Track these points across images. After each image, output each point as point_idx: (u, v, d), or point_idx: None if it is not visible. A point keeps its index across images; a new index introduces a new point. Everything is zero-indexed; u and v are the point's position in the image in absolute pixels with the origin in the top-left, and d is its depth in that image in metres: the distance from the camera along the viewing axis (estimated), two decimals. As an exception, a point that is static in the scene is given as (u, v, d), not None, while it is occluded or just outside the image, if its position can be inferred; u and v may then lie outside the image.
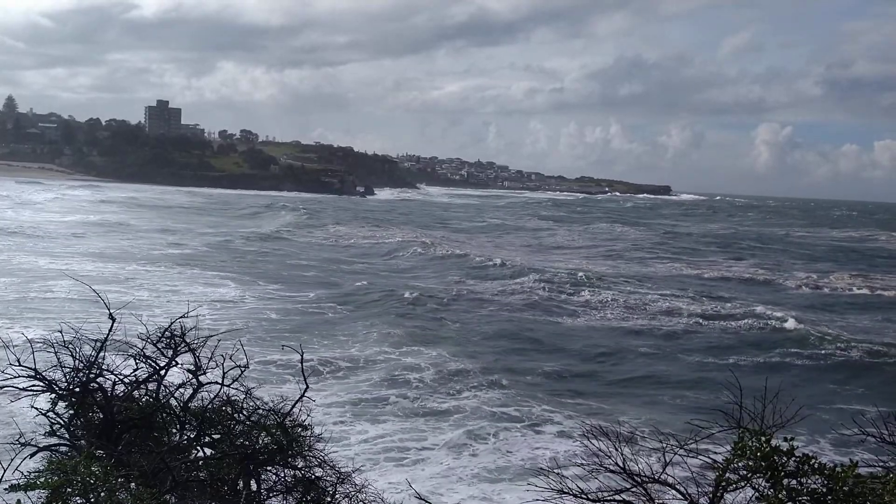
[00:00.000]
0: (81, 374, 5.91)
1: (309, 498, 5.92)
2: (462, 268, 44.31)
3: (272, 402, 6.23)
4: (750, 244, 70.72)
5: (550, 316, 31.10)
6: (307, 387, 6.27)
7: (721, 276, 46.70)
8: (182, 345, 6.19)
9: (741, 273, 48.07)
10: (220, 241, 53.94)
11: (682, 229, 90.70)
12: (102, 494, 4.40)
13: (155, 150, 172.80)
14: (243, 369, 6.29)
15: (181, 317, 6.47)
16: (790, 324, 28.71)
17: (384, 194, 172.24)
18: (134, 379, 6.17)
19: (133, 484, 4.87)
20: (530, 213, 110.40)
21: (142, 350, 6.19)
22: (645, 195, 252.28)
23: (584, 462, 4.77)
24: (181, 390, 6.22)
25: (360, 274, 41.42)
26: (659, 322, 30.14)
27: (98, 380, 5.99)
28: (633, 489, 4.48)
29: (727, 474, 4.25)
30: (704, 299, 34.59)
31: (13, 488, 4.53)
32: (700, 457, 4.57)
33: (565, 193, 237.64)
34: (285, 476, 5.95)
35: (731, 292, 38.59)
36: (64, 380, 5.88)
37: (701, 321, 30.17)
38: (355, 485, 6.18)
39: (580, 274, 39.88)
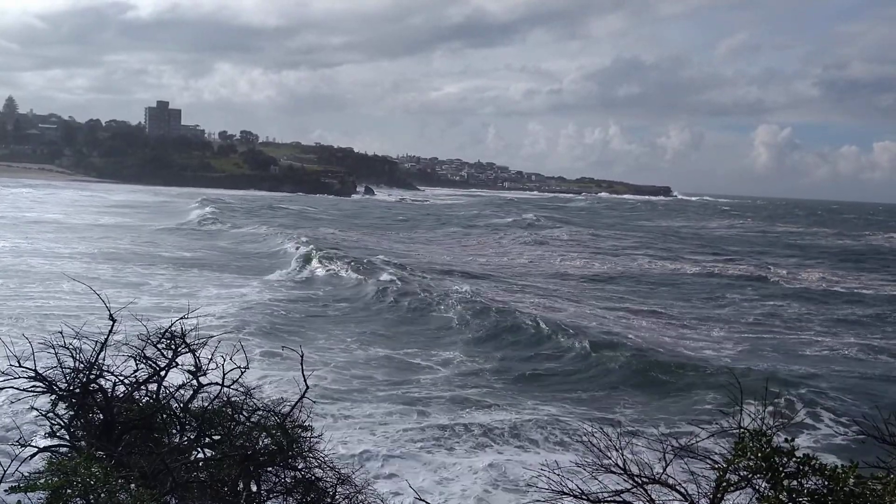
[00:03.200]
0: (82, 375, 5.92)
1: (309, 499, 5.92)
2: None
3: (272, 403, 6.24)
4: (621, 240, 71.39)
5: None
6: (307, 387, 6.27)
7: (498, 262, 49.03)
8: (182, 346, 6.19)
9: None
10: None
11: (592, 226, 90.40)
12: (102, 495, 4.40)
13: (155, 150, 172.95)
14: (243, 370, 6.29)
15: (181, 318, 6.48)
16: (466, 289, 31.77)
17: (381, 195, 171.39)
18: (134, 380, 6.17)
19: (133, 485, 4.87)
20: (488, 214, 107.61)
21: (142, 351, 6.19)
22: (636, 196, 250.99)
23: (584, 462, 4.77)
24: (181, 391, 6.22)
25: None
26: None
27: (98, 381, 5.99)
28: (634, 490, 4.48)
29: (728, 475, 4.24)
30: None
31: (14, 489, 4.53)
32: (701, 458, 4.57)
33: (544, 194, 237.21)
34: (285, 477, 5.95)
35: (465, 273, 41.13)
36: (64, 381, 5.88)
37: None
38: (355, 486, 6.19)
39: (379, 257, 42.16)
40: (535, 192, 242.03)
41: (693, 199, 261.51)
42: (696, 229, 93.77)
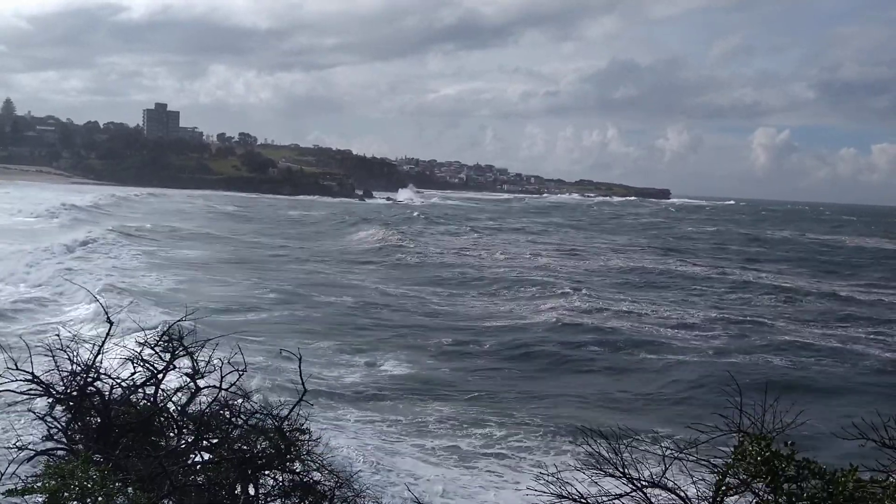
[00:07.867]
0: (79, 378, 5.90)
1: (307, 502, 5.91)
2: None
3: (270, 406, 6.22)
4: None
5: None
6: (305, 390, 6.25)
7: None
8: (180, 348, 6.18)
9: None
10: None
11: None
12: (100, 499, 4.38)
13: (153, 152, 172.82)
14: (241, 373, 6.28)
15: (179, 320, 6.46)
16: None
17: (379, 198, 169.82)
18: (132, 383, 6.15)
19: (130, 488, 4.85)
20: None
21: (139, 354, 6.18)
22: (633, 198, 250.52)
23: (583, 466, 4.76)
24: (179, 394, 6.21)
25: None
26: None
27: (96, 384, 5.97)
28: (633, 493, 4.47)
29: (727, 479, 4.24)
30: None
31: (11, 493, 4.52)
32: (700, 461, 4.56)
33: (501, 195, 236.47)
34: (283, 480, 5.94)
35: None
36: (61, 384, 5.86)
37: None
38: (354, 489, 6.17)
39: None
40: (502, 194, 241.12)
41: (675, 201, 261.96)
42: (610, 228, 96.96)
